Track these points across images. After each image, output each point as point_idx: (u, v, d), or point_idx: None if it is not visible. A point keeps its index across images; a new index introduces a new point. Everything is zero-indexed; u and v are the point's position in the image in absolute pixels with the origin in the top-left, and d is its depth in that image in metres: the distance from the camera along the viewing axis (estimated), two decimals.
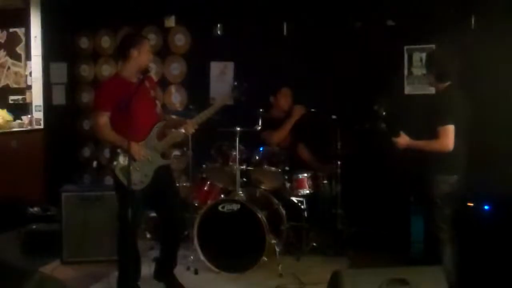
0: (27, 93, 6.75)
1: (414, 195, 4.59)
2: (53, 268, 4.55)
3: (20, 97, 6.81)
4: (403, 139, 3.80)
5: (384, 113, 4.28)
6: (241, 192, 4.68)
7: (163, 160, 4.05)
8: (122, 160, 3.86)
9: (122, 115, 3.71)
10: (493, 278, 4.01)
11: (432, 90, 4.38)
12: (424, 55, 5.16)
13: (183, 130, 4.03)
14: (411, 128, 3.90)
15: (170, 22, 6.38)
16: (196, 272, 4.48)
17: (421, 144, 3.79)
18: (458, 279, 3.77)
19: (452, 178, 3.77)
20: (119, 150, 3.89)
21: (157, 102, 4.11)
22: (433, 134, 3.72)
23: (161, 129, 4.07)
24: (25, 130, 6.51)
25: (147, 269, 4.29)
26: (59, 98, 6.78)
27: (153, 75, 6.46)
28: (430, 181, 3.78)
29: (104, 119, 3.89)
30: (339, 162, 5.00)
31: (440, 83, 3.85)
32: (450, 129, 3.68)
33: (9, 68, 6.89)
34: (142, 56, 3.95)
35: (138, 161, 3.88)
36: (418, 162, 3.87)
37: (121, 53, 4.07)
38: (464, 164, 3.83)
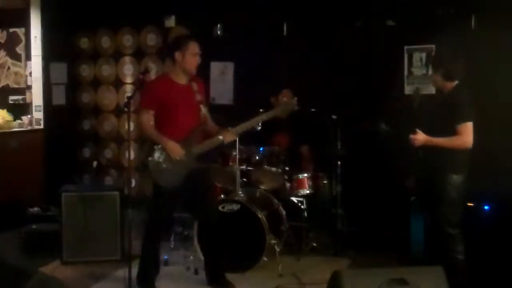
0: (27, 93, 6.74)
1: (420, 195, 4.50)
2: (53, 268, 4.55)
3: (20, 97, 6.81)
4: (421, 136, 3.73)
5: (389, 129, 4.27)
6: (241, 192, 4.67)
7: (197, 163, 4.00)
8: (157, 156, 3.93)
9: (165, 114, 3.91)
10: (493, 278, 4.01)
11: (432, 90, 4.39)
12: (424, 55, 5.17)
13: (221, 137, 3.99)
14: (421, 126, 3.83)
15: (170, 22, 6.39)
16: (196, 272, 4.47)
17: (441, 141, 3.72)
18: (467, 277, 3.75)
19: (462, 177, 3.76)
20: (155, 147, 3.95)
21: (202, 106, 4.04)
22: (449, 132, 3.70)
23: (199, 132, 4.07)
24: (25, 130, 6.50)
25: None
26: (59, 98, 6.78)
27: (153, 75, 6.50)
28: (442, 179, 3.75)
29: (146, 116, 3.97)
30: (339, 162, 5.00)
31: (448, 82, 3.82)
32: (470, 126, 3.68)
33: (9, 68, 6.88)
34: (186, 59, 3.91)
35: (173, 160, 3.91)
36: (430, 161, 3.83)
37: (169, 54, 4.10)
38: (470, 163, 3.83)
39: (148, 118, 3.96)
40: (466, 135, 3.68)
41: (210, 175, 4.35)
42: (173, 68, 4.03)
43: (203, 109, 4.05)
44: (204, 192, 4.19)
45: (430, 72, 5.07)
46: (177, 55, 3.92)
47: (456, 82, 3.82)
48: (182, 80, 3.99)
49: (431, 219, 4.03)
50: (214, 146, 4.08)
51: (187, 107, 3.95)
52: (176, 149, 3.90)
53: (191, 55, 3.92)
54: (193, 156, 3.97)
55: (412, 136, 3.74)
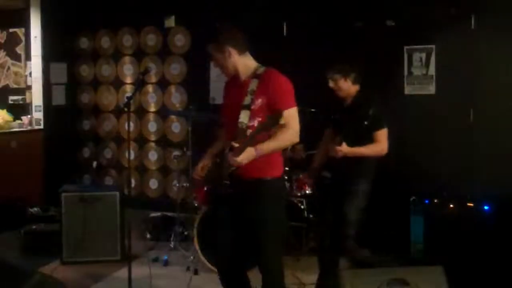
0: (27, 93, 6.75)
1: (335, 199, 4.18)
2: (53, 268, 4.54)
3: (20, 97, 6.82)
4: (346, 148, 3.60)
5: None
6: None
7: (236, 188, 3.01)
8: None
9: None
10: (493, 277, 4.01)
11: (432, 90, 4.38)
12: (424, 55, 5.17)
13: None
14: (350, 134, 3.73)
15: (170, 22, 6.39)
16: (196, 272, 4.47)
17: (363, 150, 3.67)
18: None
19: (369, 182, 3.81)
20: None
21: (245, 111, 2.99)
22: (367, 139, 3.68)
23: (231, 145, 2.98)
24: (25, 131, 6.51)
25: (146, 269, 4.30)
26: (59, 98, 6.78)
27: (153, 75, 6.51)
28: (353, 184, 3.79)
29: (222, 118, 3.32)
30: None
31: (355, 86, 3.85)
32: (386, 132, 3.70)
33: (9, 68, 6.89)
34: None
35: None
36: (343, 166, 3.78)
37: None
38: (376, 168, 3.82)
39: (222, 120, 3.31)
40: (384, 141, 3.69)
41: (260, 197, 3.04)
42: None
43: (246, 113, 3.00)
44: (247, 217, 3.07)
45: (430, 72, 5.11)
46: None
47: (358, 86, 3.86)
48: (243, 74, 3.16)
49: (331, 218, 3.96)
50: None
51: (230, 110, 3.09)
52: (198, 167, 3.25)
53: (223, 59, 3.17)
54: (224, 178, 3.00)
55: (336, 147, 3.60)
